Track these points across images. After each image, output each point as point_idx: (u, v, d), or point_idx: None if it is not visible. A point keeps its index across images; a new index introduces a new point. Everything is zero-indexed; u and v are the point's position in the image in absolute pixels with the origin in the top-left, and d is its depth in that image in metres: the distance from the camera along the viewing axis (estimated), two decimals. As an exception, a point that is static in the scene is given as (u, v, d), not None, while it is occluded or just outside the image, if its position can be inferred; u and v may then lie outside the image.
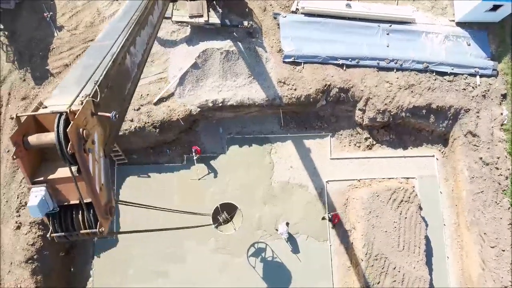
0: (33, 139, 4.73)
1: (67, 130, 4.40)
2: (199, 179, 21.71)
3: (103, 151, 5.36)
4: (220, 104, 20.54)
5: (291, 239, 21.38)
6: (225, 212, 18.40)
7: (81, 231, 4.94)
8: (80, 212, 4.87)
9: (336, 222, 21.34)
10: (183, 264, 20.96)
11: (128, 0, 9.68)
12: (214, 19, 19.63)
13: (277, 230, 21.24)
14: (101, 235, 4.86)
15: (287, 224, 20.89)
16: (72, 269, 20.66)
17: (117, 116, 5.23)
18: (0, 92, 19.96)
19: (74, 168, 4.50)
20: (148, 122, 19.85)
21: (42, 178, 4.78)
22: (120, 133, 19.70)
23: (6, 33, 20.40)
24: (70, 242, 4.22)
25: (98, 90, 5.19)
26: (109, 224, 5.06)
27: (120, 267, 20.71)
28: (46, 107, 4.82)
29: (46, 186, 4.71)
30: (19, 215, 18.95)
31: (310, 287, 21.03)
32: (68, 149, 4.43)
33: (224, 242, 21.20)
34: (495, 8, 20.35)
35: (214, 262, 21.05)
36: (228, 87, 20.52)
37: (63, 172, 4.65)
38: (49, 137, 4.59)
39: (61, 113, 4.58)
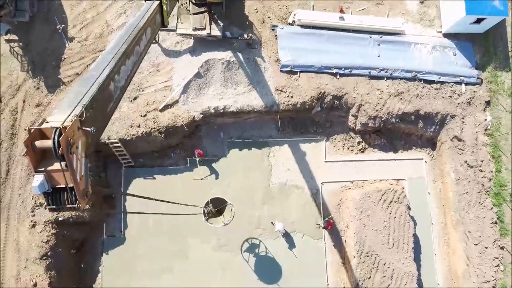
0: (38, 143, 6.83)
1: (60, 139, 6.51)
2: (201, 179, 22.99)
3: (84, 153, 7.42)
4: (222, 111, 21.88)
5: (287, 237, 22.69)
6: (211, 205, 19.43)
7: (66, 206, 7.13)
8: (65, 193, 7.03)
9: (330, 228, 22.58)
10: (186, 261, 22.22)
11: (120, 32, 11.13)
12: (216, 31, 20.96)
13: (273, 223, 22.46)
14: (78, 209, 7.19)
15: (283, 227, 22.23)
16: (82, 266, 21.93)
17: (95, 130, 7.50)
18: (16, 99, 21.27)
19: (63, 164, 6.62)
20: (154, 128, 21.16)
21: (42, 169, 6.93)
22: (128, 138, 21.12)
23: (21, 44, 21.67)
24: (58, 211, 5.93)
25: (84, 111, 7.32)
26: (85, 203, 7.33)
27: (127, 263, 21.97)
28: (48, 122, 7.01)
29: (44, 174, 6.88)
30: (34, 215, 20.25)
31: (306, 282, 22.37)
32: (59, 152, 6.52)
33: (225, 240, 22.53)
34: (478, 21, 21.67)
35: (216, 259, 22.33)
36: (229, 95, 21.86)
37: (56, 166, 6.81)
38: (48, 143, 6.67)
39: (56, 128, 6.66)
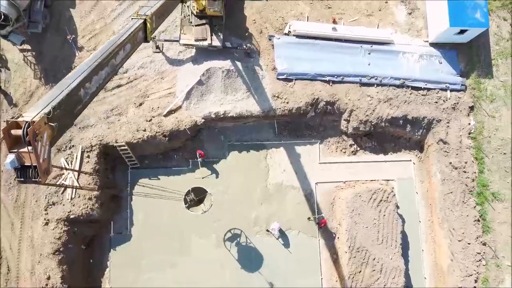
0: (13, 132, 8.83)
1: (28, 130, 8.43)
2: (202, 178, 24.37)
3: (49, 142, 9.36)
4: (222, 116, 23.32)
5: (282, 235, 24.10)
6: (192, 194, 20.87)
7: (31, 179, 9.04)
8: (31, 169, 8.93)
9: (323, 226, 23.99)
10: (189, 257, 23.62)
11: (101, 46, 12.73)
12: (216, 42, 22.40)
13: (268, 230, 23.95)
14: (39, 183, 9.16)
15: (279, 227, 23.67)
16: (91, 261, 23.37)
17: (57, 126, 9.46)
18: (29, 105, 22.69)
19: (29, 148, 8.55)
20: (159, 132, 22.59)
21: (15, 150, 8.86)
22: (134, 141, 22.56)
23: (34, 53, 23.08)
24: (24, 183, 7.86)
25: (51, 111, 9.29)
26: (46, 179, 9.33)
27: (133, 259, 23.36)
28: (23, 116, 8.93)
29: (15, 154, 8.81)
30: (47, 213, 21.69)
31: (301, 277, 23.79)
32: (27, 139, 8.45)
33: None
34: (462, 32, 23.10)
35: (216, 254, 23.76)
36: (228, 101, 23.32)
37: (25, 149, 8.72)
38: (20, 132, 8.60)
39: (27, 122, 8.58)
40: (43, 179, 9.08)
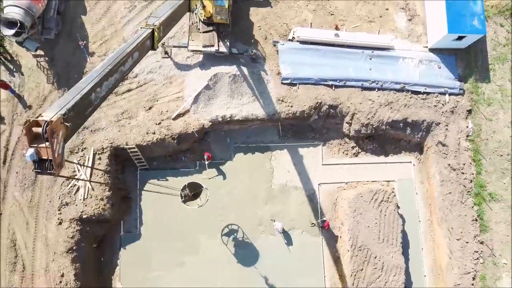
0: (33, 129, 9.89)
1: (46, 128, 9.51)
2: (209, 178, 25.17)
3: (63, 140, 10.43)
4: (228, 119, 24.15)
5: (287, 233, 24.91)
6: (187, 189, 21.63)
7: (47, 171, 10.12)
8: (47, 162, 10.00)
9: (326, 228, 24.74)
10: (196, 255, 24.42)
11: (111, 54, 13.63)
12: (223, 48, 23.23)
13: (273, 220, 24.67)
14: (54, 174, 10.25)
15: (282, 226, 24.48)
16: (102, 259, 24.18)
17: (71, 125, 10.56)
18: (43, 109, 23.50)
19: (47, 143, 9.61)
20: (167, 135, 23.41)
21: (34, 145, 9.89)
22: (144, 143, 23.38)
23: (47, 58, 23.86)
24: (41, 174, 8.97)
25: (67, 112, 10.39)
26: (59, 171, 10.41)
27: (143, 257, 24.13)
28: (42, 116, 9.95)
29: (35, 149, 9.84)
30: (61, 213, 22.49)
31: (304, 274, 24.58)
32: (45, 136, 9.52)
33: (231, 235, 24.77)
34: (460, 38, 23.95)
35: (223, 253, 24.57)
36: (235, 105, 24.15)
37: (43, 145, 9.74)
38: (39, 130, 9.67)
39: (46, 121, 9.67)
40: (57, 172, 10.26)
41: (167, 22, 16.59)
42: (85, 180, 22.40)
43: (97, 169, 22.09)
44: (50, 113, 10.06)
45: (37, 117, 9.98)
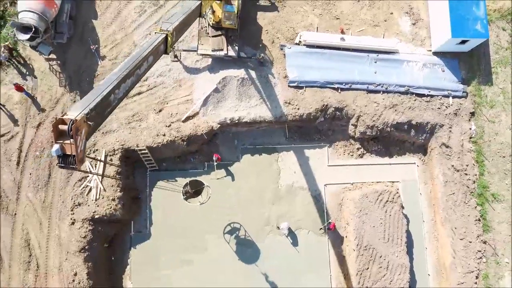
0: (60, 126, 10.77)
1: (72, 126, 10.35)
2: (217, 179, 25.70)
3: (85, 137, 11.30)
4: (237, 121, 24.69)
5: (292, 234, 25.41)
6: (189, 187, 22.18)
7: (69, 165, 11.05)
8: (70, 157, 10.91)
9: (332, 229, 25.25)
10: (204, 254, 24.93)
11: (127, 58, 14.42)
12: (232, 52, 23.77)
13: (278, 227, 25.26)
14: (75, 169, 11.20)
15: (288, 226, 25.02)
16: (113, 258, 24.69)
17: (93, 124, 11.41)
18: (55, 111, 24.04)
19: (71, 140, 10.48)
20: (177, 137, 23.93)
21: (60, 141, 10.78)
22: (154, 145, 23.91)
23: (59, 62, 24.38)
24: (64, 168, 9.95)
25: (89, 112, 11.18)
26: (81, 165, 11.39)
27: (152, 256, 24.67)
28: (67, 115, 10.78)
29: (60, 145, 10.75)
30: (73, 213, 23.02)
31: (311, 273, 25.09)
32: (70, 133, 10.35)
33: (239, 235, 25.30)
34: (463, 42, 24.45)
35: (230, 253, 25.07)
36: (243, 107, 24.68)
37: (68, 141, 10.62)
38: (65, 127, 10.54)
39: (71, 119, 10.48)
40: (79, 166, 11.20)
41: (179, 27, 17.13)
42: (98, 175, 22.94)
43: (111, 164, 22.63)
44: (74, 112, 10.88)
45: (63, 115, 10.88)
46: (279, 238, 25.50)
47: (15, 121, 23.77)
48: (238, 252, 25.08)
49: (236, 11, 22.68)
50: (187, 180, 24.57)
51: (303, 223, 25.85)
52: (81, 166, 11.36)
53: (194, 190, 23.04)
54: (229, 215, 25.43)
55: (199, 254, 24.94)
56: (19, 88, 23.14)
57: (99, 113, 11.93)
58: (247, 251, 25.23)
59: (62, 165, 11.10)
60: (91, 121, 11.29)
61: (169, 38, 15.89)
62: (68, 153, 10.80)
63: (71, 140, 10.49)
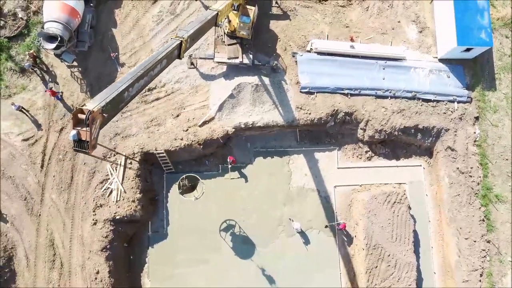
0: (79, 116, 12.20)
1: (89, 116, 11.86)
2: (231, 178, 26.71)
3: (99, 126, 12.63)
4: (250, 126, 25.72)
5: (304, 233, 26.44)
6: (186, 181, 23.33)
7: (83, 150, 12.39)
8: (84, 143, 12.29)
9: (343, 229, 26.28)
10: (219, 253, 25.94)
11: (144, 60, 15.88)
12: (247, 60, 24.81)
13: (291, 219, 26.21)
14: (88, 153, 12.59)
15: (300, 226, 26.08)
16: (131, 257, 25.75)
17: (107, 116, 12.83)
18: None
19: (87, 128, 11.99)
20: (194, 140, 24.93)
21: (77, 128, 12.22)
22: (172, 149, 24.92)
23: (80, 69, 25.40)
24: (78, 152, 12.40)
25: (105, 105, 12.54)
26: (93, 151, 12.77)
27: (169, 255, 25.66)
28: (86, 106, 12.17)
29: (77, 131, 12.22)
30: (95, 214, 24.05)
31: (321, 271, 26.09)
32: (87, 122, 11.88)
33: (252, 235, 26.28)
34: (468, 49, 25.50)
35: (244, 251, 26.12)
36: (256, 112, 25.71)
37: (84, 129, 12.06)
38: (83, 116, 11.97)
39: (89, 110, 11.91)
40: (91, 151, 12.59)
41: (194, 35, 18.09)
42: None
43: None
44: (92, 104, 12.32)
45: (82, 106, 12.34)
46: (291, 238, 26.49)
47: (38, 126, 24.79)
48: (250, 252, 26.06)
49: (251, 23, 23.68)
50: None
51: (313, 223, 26.84)
52: (92, 152, 12.76)
53: (190, 185, 23.99)
54: (242, 216, 26.44)
55: (214, 254, 25.90)
56: (53, 93, 24.20)
57: (113, 107, 13.42)
58: (261, 250, 26.17)
59: (77, 149, 12.48)
60: (106, 113, 12.77)
61: (183, 45, 16.88)
62: (83, 139, 12.23)
63: (87, 128, 11.97)
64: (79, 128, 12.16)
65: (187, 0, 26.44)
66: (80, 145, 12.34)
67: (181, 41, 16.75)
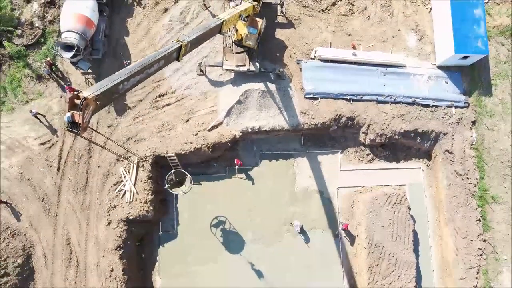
0: (75, 100, 13.33)
1: (83, 102, 13.03)
2: (238, 178, 27.85)
3: (91, 112, 13.80)
4: (257, 130, 26.86)
5: (308, 232, 27.57)
6: (173, 175, 24.45)
7: (74, 130, 13.53)
8: (77, 125, 13.45)
9: (346, 229, 27.44)
10: (227, 252, 27.04)
11: (143, 58, 16.71)
12: (254, 67, 25.96)
13: (291, 224, 27.38)
14: (78, 134, 13.77)
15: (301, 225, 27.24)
16: (143, 256, 26.89)
17: (99, 103, 13.97)
18: (91, 121, 26.16)
19: (80, 112, 13.14)
20: (203, 144, 26.06)
21: (72, 111, 13.35)
22: (182, 152, 26.03)
23: (94, 76, 26.54)
24: (70, 132, 13.72)
25: (99, 94, 13.68)
26: (83, 133, 13.93)
27: (180, 254, 26.74)
28: (82, 93, 13.21)
29: (71, 113, 13.31)
30: (109, 215, 25.16)
31: (324, 269, 27.25)
32: (81, 107, 13.04)
33: (259, 234, 27.45)
34: (465, 57, 26.68)
35: (252, 250, 27.22)
36: (263, 117, 26.86)
37: (77, 112, 13.25)
38: (78, 101, 13.13)
39: (84, 97, 13.03)
40: (82, 133, 13.82)
41: (195, 41, 18.90)
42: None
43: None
44: (88, 92, 13.52)
45: (79, 92, 13.53)
46: (296, 238, 27.62)
47: (54, 131, 25.89)
48: (256, 251, 27.16)
49: (257, 34, 24.82)
50: (209, 182, 26.79)
51: (317, 223, 28.00)
52: (83, 133, 14.06)
53: (178, 180, 25.05)
54: (249, 216, 27.58)
55: (222, 253, 27.01)
56: (71, 90, 25.18)
57: (107, 97, 14.70)
58: (267, 249, 27.27)
59: (70, 129, 13.74)
60: (99, 101, 14.05)
61: (183, 48, 17.78)
62: (76, 121, 13.46)
63: (80, 112, 13.23)
64: (74, 111, 13.43)
65: (196, 9, 27.56)
66: (73, 126, 13.59)
67: (181, 45, 17.59)
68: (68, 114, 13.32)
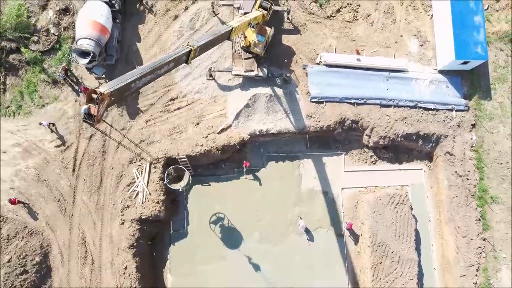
0: (92, 94, 14.74)
1: (99, 97, 14.47)
2: (246, 178, 28.79)
3: (106, 106, 15.14)
4: (264, 133, 27.83)
5: (313, 231, 28.51)
6: (172, 170, 25.45)
7: (89, 122, 14.83)
8: (92, 117, 14.77)
9: (350, 228, 28.42)
10: (236, 251, 27.95)
11: (154, 60, 18.07)
12: (261, 73, 26.93)
13: (300, 217, 28.27)
14: (93, 125, 15.12)
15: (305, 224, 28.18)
16: (154, 254, 27.88)
17: (113, 99, 15.42)
18: (104, 125, 27.08)
19: (96, 105, 14.51)
20: (213, 146, 27.03)
21: (89, 104, 14.69)
22: (193, 154, 27.00)
23: (107, 81, 27.45)
24: (85, 123, 15.11)
25: (114, 91, 15.03)
26: (97, 124, 15.24)
27: (189, 253, 27.69)
28: (98, 88, 14.68)
29: (88, 105, 14.64)
30: (123, 214, 26.13)
31: (329, 268, 28.17)
32: (97, 101, 14.47)
33: (266, 234, 28.41)
34: (465, 62, 27.64)
35: (259, 249, 28.14)
36: (270, 120, 27.83)
37: (93, 105, 14.58)
38: (95, 96, 14.55)
39: (100, 92, 14.51)
40: (96, 124, 15.06)
41: (204, 46, 19.87)
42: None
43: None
44: (104, 88, 14.90)
45: (96, 88, 14.99)
46: (301, 237, 28.55)
47: (69, 133, 26.86)
48: (262, 250, 28.08)
49: (265, 42, 25.78)
50: (218, 183, 27.74)
51: (322, 223, 28.94)
52: (97, 125, 15.33)
53: (177, 175, 26.04)
54: (257, 216, 28.54)
55: (231, 251, 27.92)
56: (86, 90, 26.10)
57: (120, 93, 15.93)
58: (273, 248, 28.21)
59: (85, 120, 14.98)
60: (113, 97, 15.36)
61: (192, 53, 18.76)
62: (92, 113, 14.69)
63: (96, 105, 14.47)
64: (90, 104, 14.71)
65: (206, 16, 28.53)
66: (89, 118, 14.84)
67: (191, 49, 18.56)
68: (85, 106, 14.60)
